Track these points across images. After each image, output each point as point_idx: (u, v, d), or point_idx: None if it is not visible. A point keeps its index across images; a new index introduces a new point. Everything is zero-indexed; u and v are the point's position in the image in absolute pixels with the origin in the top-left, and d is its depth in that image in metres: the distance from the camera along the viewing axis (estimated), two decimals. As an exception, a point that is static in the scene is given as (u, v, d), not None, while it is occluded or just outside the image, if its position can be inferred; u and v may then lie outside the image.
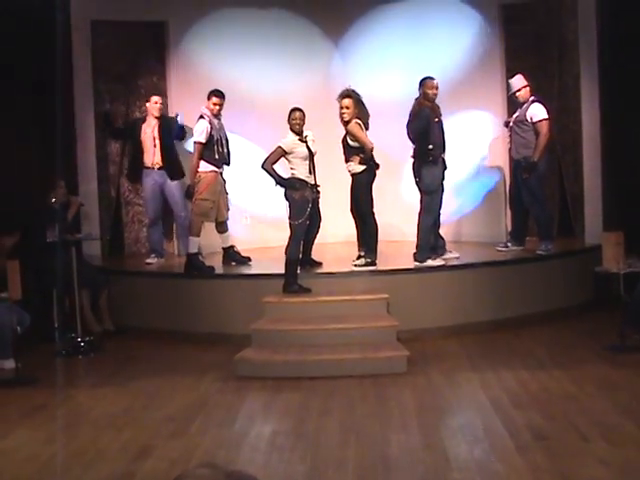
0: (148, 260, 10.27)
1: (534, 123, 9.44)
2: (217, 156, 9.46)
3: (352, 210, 9.16)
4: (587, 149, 10.18)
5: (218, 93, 9.62)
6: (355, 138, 8.75)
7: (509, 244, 9.86)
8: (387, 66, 11.42)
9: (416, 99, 9.15)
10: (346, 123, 8.80)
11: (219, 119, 9.64)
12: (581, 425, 5.52)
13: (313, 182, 8.71)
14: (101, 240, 10.54)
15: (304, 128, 8.82)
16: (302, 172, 8.63)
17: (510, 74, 10.34)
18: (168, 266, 10.22)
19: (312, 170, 8.70)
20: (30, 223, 9.14)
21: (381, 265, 9.09)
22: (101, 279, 9.51)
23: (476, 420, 5.91)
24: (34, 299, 8.67)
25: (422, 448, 5.32)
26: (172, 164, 10.26)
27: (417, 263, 8.97)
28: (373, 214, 8.94)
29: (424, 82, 9.10)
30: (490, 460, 5.03)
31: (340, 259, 9.91)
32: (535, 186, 9.52)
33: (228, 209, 9.88)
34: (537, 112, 9.48)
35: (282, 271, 8.61)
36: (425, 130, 8.94)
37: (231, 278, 9.22)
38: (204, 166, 9.43)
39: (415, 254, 9.02)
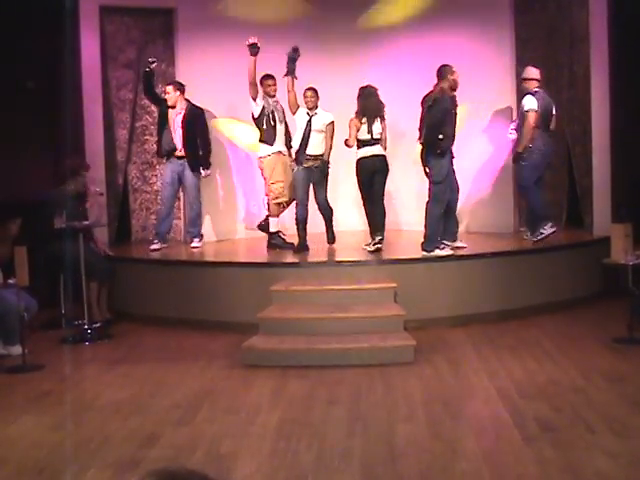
0: (153, 246, 10.30)
1: (524, 113, 9.59)
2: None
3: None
4: (597, 140, 10.12)
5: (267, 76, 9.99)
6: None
7: (528, 233, 9.93)
8: (396, 54, 11.40)
9: (438, 85, 9.04)
10: None
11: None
12: (588, 417, 5.50)
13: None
14: (108, 227, 10.57)
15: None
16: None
17: (520, 64, 10.36)
18: (176, 254, 10.23)
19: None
20: (41, 209, 9.11)
21: (389, 254, 9.12)
22: (108, 272, 9.43)
23: (483, 410, 5.90)
24: (42, 286, 8.68)
25: (428, 438, 5.30)
26: (193, 156, 10.21)
27: (425, 253, 8.95)
28: (364, 200, 9.59)
29: (449, 69, 9.02)
30: (497, 451, 5.02)
31: (348, 248, 9.93)
32: (524, 176, 9.70)
33: None
34: (527, 102, 9.62)
35: (291, 260, 9.16)
36: (441, 120, 8.87)
37: (239, 266, 9.21)
38: (267, 149, 9.83)
39: (423, 244, 9.01)
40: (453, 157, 9.15)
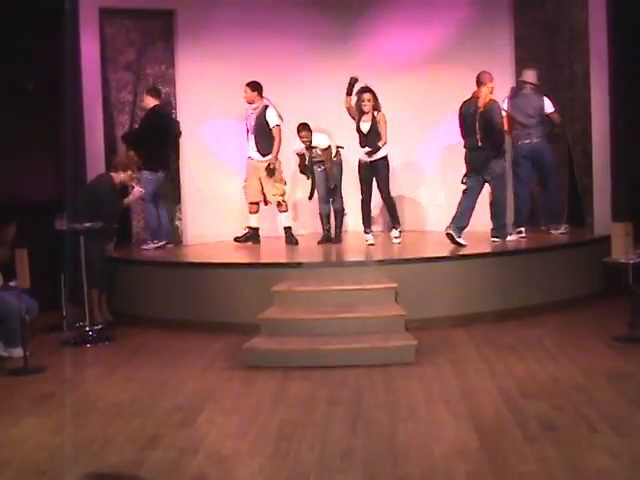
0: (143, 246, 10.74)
1: None
2: None
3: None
4: (597, 139, 10.13)
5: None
6: (381, 127, 9.66)
7: (563, 227, 10.34)
8: (396, 54, 11.40)
9: (478, 91, 9.54)
10: (366, 113, 9.68)
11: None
12: (590, 416, 5.50)
13: None
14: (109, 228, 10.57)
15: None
16: None
17: (519, 64, 10.41)
18: (177, 255, 10.23)
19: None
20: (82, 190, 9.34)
21: (390, 255, 9.15)
22: (108, 279, 9.43)
23: (484, 410, 5.89)
24: (44, 288, 8.69)
25: (430, 438, 5.31)
26: (143, 157, 10.12)
27: (496, 239, 9.78)
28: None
29: (488, 76, 9.52)
30: (498, 450, 5.02)
31: (349, 248, 9.94)
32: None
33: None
34: None
35: (290, 260, 9.36)
36: (502, 123, 9.54)
37: (240, 267, 9.20)
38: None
39: (492, 230, 9.84)
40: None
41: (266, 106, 10.32)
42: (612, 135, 9.99)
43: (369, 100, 9.62)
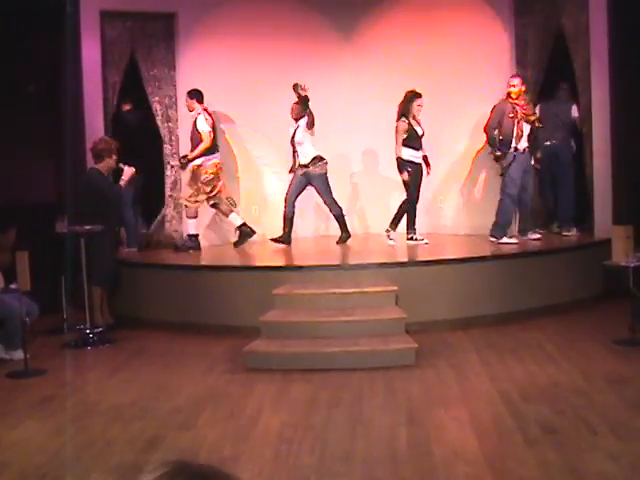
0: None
1: None
2: None
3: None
4: (597, 142, 10.13)
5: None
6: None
7: (574, 230, 10.43)
8: (397, 57, 11.40)
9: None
10: (416, 118, 10.05)
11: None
12: (590, 419, 5.51)
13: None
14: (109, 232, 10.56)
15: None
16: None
17: (520, 65, 10.42)
18: (178, 258, 10.23)
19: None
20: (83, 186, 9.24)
21: (390, 258, 9.15)
22: (117, 279, 9.43)
23: (485, 413, 5.90)
24: (44, 290, 8.70)
25: (430, 441, 5.31)
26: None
27: (493, 239, 9.75)
28: None
29: (509, 80, 9.88)
30: (499, 454, 5.03)
31: (350, 251, 9.95)
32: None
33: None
34: None
35: (290, 263, 9.36)
36: (493, 123, 9.79)
37: (241, 270, 9.21)
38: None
39: (491, 230, 9.81)
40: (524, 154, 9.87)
41: (199, 113, 10.36)
42: (613, 137, 9.99)
43: (422, 105, 9.96)
